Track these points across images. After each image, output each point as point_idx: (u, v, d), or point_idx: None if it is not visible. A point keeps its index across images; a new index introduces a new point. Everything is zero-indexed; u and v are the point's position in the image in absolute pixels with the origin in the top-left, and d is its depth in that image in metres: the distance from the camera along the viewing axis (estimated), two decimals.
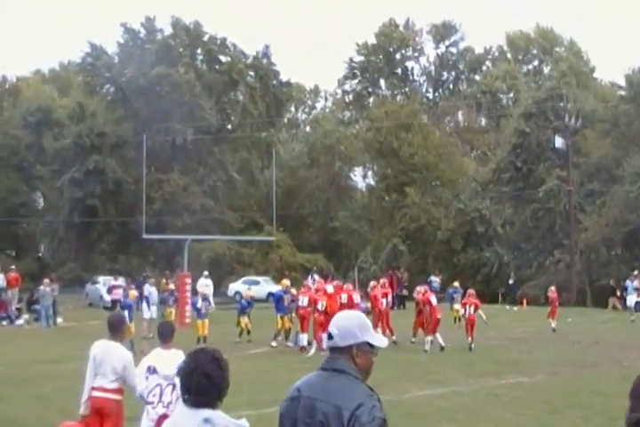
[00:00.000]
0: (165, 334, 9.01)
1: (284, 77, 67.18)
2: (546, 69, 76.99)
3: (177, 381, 8.47)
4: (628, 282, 39.19)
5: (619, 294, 41.40)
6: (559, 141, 50.71)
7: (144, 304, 30.41)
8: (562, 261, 50.26)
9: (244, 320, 26.90)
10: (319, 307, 23.56)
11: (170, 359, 8.66)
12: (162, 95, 58.41)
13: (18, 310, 36.37)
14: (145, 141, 42.77)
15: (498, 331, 30.33)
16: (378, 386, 15.05)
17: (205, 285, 34.94)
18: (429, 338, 24.19)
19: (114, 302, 38.06)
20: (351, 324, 4.42)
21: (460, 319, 30.44)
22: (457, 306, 31.22)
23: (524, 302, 44.18)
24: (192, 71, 60.81)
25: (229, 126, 65.66)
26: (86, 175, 58.10)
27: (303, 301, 24.38)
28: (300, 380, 4.50)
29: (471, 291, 28.03)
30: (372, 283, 27.52)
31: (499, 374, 19.35)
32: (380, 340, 4.46)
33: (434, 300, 25.43)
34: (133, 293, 27.86)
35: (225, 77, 63.27)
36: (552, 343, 26.16)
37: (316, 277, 39.02)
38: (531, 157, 54.89)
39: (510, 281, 46.35)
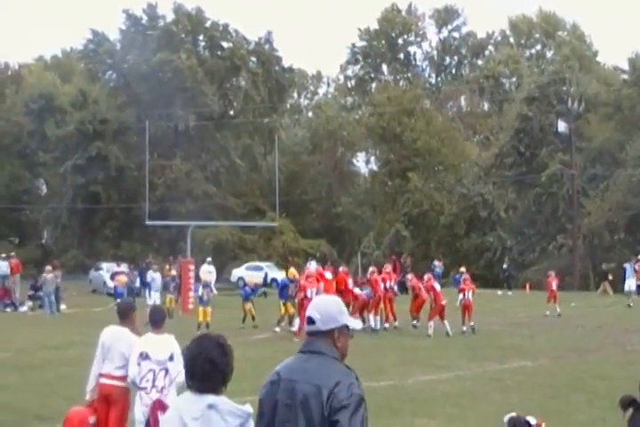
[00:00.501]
0: (157, 320, 8.98)
1: (286, 63, 67.20)
2: (548, 54, 76.68)
3: (170, 366, 8.49)
4: (626, 265, 38.86)
5: (610, 278, 41.53)
6: (562, 126, 50.64)
7: (147, 290, 30.48)
8: (565, 246, 50.28)
9: (248, 306, 26.93)
10: (308, 294, 23.60)
11: (162, 344, 8.66)
12: (164, 81, 58.35)
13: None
14: (147, 128, 42.72)
15: (500, 316, 30.39)
16: (382, 371, 15.09)
17: (208, 271, 34.88)
18: (431, 323, 24.23)
19: (116, 288, 38.05)
20: (332, 308, 4.53)
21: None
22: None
23: (527, 286, 44.18)
24: (194, 57, 60.70)
25: (232, 112, 65.58)
26: (89, 162, 58.12)
27: (312, 293, 24.18)
28: (280, 364, 4.54)
29: (466, 276, 28.21)
30: (371, 269, 27.56)
31: (502, 358, 19.36)
32: (355, 322, 4.60)
33: (437, 286, 25.51)
34: (122, 279, 27.93)
35: (227, 63, 63.14)
36: (555, 328, 26.16)
37: (314, 263, 39.00)
38: (533, 142, 54.82)
39: (504, 266, 46.12)
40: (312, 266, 35.18)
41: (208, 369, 4.52)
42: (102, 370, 9.10)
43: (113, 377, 9.04)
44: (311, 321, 4.45)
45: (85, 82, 65.41)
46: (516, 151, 55.38)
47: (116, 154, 59.33)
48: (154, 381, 8.55)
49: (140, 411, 8.64)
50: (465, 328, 25.21)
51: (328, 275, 26.33)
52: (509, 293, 42.83)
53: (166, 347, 8.61)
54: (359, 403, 4.24)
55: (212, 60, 63.55)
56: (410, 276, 27.91)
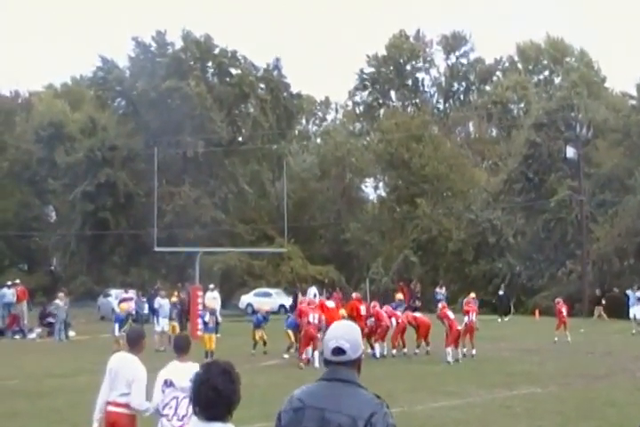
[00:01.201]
0: (181, 347, 9.03)
1: (294, 89, 67.44)
2: (556, 80, 76.93)
3: None
4: (629, 292, 38.40)
5: (604, 302, 41.32)
6: (570, 152, 50.64)
7: (155, 317, 30.46)
8: (574, 272, 50.12)
9: (259, 333, 26.93)
10: (310, 319, 23.68)
11: (186, 372, 8.69)
12: (173, 108, 58.62)
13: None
14: (156, 154, 42.84)
15: (509, 342, 30.34)
16: (391, 397, 15.03)
17: (212, 297, 34.87)
18: (449, 350, 24.26)
19: (118, 314, 38.04)
20: (357, 335, 4.55)
21: (477, 329, 30.77)
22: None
23: (537, 312, 44.06)
24: (203, 84, 61.02)
25: (240, 139, 65.78)
26: (98, 189, 58.31)
27: (314, 318, 24.21)
28: (297, 391, 4.53)
29: (469, 298, 28.54)
30: (373, 303, 27.79)
31: (511, 385, 19.32)
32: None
33: (451, 314, 25.59)
34: (123, 306, 27.98)
35: (236, 90, 63.42)
36: (564, 354, 26.10)
37: (314, 289, 39.21)
38: (542, 168, 54.81)
39: (500, 292, 45.85)
40: (311, 292, 35.52)
41: (212, 397, 4.52)
42: (109, 398, 9.12)
43: (118, 404, 9.04)
44: (341, 351, 4.41)
45: (95, 109, 65.76)
46: (524, 177, 55.37)
47: (124, 181, 59.54)
48: (176, 408, 8.59)
49: None
50: (465, 350, 25.33)
51: (330, 303, 26.46)
52: (506, 319, 42.51)
53: (190, 375, 8.64)
54: None
55: (220, 86, 63.87)
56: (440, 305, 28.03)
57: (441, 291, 45.35)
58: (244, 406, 4.75)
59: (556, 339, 29.90)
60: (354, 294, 28.81)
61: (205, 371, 4.66)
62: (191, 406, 7.71)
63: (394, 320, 26.31)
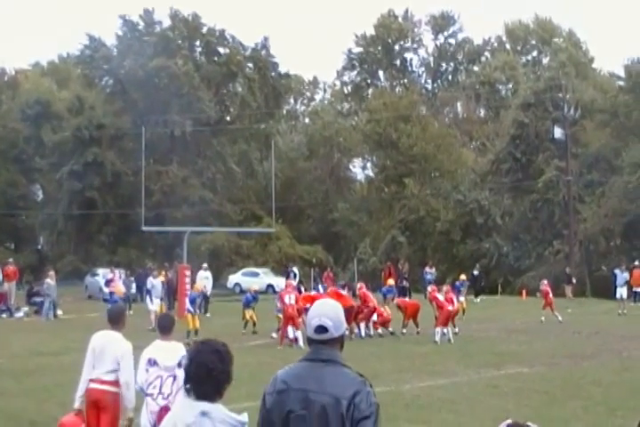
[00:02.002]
0: (165, 327, 9.02)
1: (282, 69, 67.27)
2: (545, 60, 76.80)
3: (177, 372, 8.50)
4: (617, 271, 37.76)
5: (574, 281, 41.38)
6: (558, 132, 50.71)
7: (147, 297, 30.42)
8: (561, 252, 50.29)
9: (249, 313, 26.90)
10: (286, 300, 23.79)
11: (170, 351, 8.68)
12: (160, 87, 58.39)
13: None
14: (144, 133, 42.72)
15: (497, 322, 30.43)
16: (378, 377, 15.05)
17: (205, 277, 34.94)
18: (438, 329, 24.37)
19: (111, 294, 37.96)
20: (339, 313, 4.53)
21: (464, 312, 31.00)
22: (462, 298, 31.68)
23: (524, 292, 44.17)
24: (190, 63, 60.77)
25: (228, 118, 65.59)
26: (85, 168, 58.08)
27: (290, 299, 24.27)
28: (281, 372, 4.51)
29: (462, 278, 28.90)
30: (359, 285, 27.79)
31: (498, 364, 19.37)
32: None
33: (440, 296, 25.69)
34: (119, 289, 27.86)
35: (223, 69, 63.20)
36: (551, 334, 26.18)
37: (295, 270, 39.61)
38: (530, 148, 54.84)
39: (475, 272, 45.57)
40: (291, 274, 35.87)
41: (202, 375, 4.51)
42: (92, 375, 9.05)
43: (103, 382, 8.98)
44: (323, 329, 4.40)
45: (82, 88, 65.44)
46: (512, 157, 55.38)
47: (112, 160, 59.31)
48: (160, 387, 8.56)
49: (145, 417, 8.63)
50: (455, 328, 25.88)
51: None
52: (477, 299, 41.84)
53: (175, 353, 8.62)
54: (378, 412, 4.29)
55: (208, 65, 63.60)
56: (430, 288, 28.20)
57: (430, 271, 45.35)
58: (233, 386, 4.71)
59: (542, 318, 29.97)
60: (358, 285, 28.46)
61: (196, 349, 4.65)
62: (175, 385, 7.70)
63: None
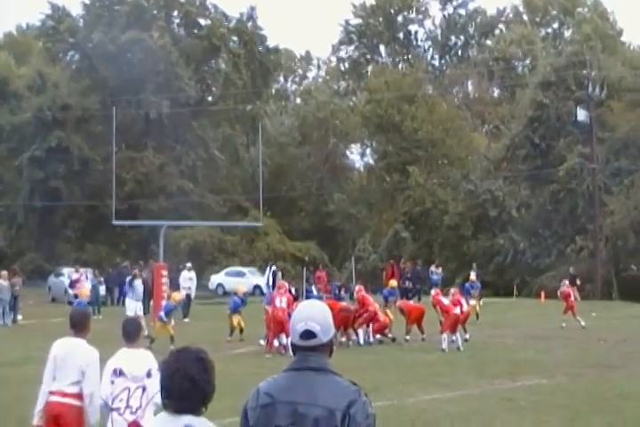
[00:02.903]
0: (131, 333, 8.86)
1: (271, 43, 67.38)
2: (567, 33, 77.06)
3: (147, 383, 8.42)
4: None
5: (578, 282, 41.40)
6: (582, 114, 50.63)
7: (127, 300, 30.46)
8: (585, 249, 50.27)
9: (237, 319, 26.76)
10: (277, 303, 23.80)
11: (137, 360, 8.58)
12: (133, 63, 58.26)
13: None
14: (114, 115, 42.53)
15: (512, 327, 30.44)
16: (379, 389, 15.05)
17: (189, 278, 34.97)
18: (445, 336, 24.40)
19: (77, 297, 37.93)
20: (327, 316, 4.51)
21: (478, 316, 31.09)
22: (473, 302, 31.60)
23: (542, 294, 44.20)
24: (168, 36, 60.71)
25: (210, 98, 65.63)
26: (48, 153, 57.92)
27: (281, 302, 24.27)
28: (263, 384, 4.48)
29: (471, 279, 28.91)
30: (357, 287, 27.93)
31: (514, 375, 19.36)
32: None
33: (444, 299, 25.74)
34: (84, 291, 27.57)
35: (205, 43, 63.12)
36: (574, 341, 26.19)
37: (275, 268, 39.90)
38: (549, 132, 54.84)
39: (472, 275, 45.31)
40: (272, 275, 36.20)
41: (187, 387, 4.48)
42: (52, 387, 8.99)
43: (65, 395, 8.92)
44: (310, 334, 4.38)
45: (44, 63, 65.27)
46: (529, 143, 55.39)
47: (78, 145, 59.19)
48: (128, 400, 8.44)
49: None
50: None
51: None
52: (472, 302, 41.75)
53: (143, 362, 8.53)
54: (374, 423, 4.32)
55: (187, 39, 63.59)
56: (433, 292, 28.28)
57: (437, 271, 45.40)
58: (215, 399, 4.68)
59: (563, 324, 29.98)
60: (357, 287, 28.59)
61: (176, 359, 4.60)
62: (145, 398, 7.63)
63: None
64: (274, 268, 41.63)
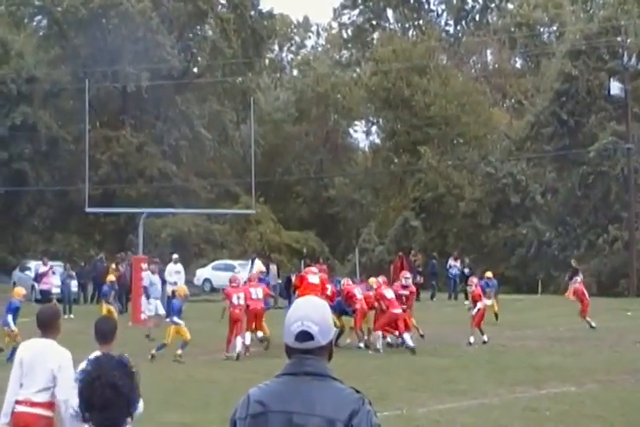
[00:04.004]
0: (105, 333, 8.73)
1: (264, 7, 67.21)
2: None
3: None
4: None
5: (580, 278, 41.32)
6: (615, 87, 50.64)
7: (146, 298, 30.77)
8: (618, 240, 50.29)
9: (177, 328, 26.55)
10: (234, 300, 24.02)
11: None
12: (109, 30, 58.22)
13: None
14: (87, 89, 42.53)
15: (536, 328, 30.44)
16: (386, 398, 15.04)
17: (175, 271, 34.96)
18: (379, 334, 25.04)
19: (44, 293, 37.95)
20: (326, 315, 4.49)
21: (497, 316, 31.19)
22: (488, 302, 31.38)
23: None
24: None
25: (195, 70, 65.62)
26: (12, 132, 57.89)
27: (239, 298, 24.35)
28: (253, 391, 4.44)
29: (487, 275, 29.24)
30: (373, 280, 27.69)
31: (538, 382, 19.37)
32: None
33: (387, 293, 25.93)
34: (19, 291, 27.00)
35: (189, 7, 62.98)
36: (606, 344, 26.19)
37: (258, 262, 39.85)
38: (579, 108, 54.80)
39: (466, 270, 45.25)
40: (255, 266, 36.27)
41: (109, 396, 4.42)
42: (19, 396, 8.96)
43: (33, 404, 8.90)
44: (307, 336, 4.33)
45: (7, 30, 65.09)
46: (556, 120, 55.35)
47: (47, 122, 59.19)
48: None
49: None
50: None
51: (313, 278, 26.39)
52: (466, 302, 41.42)
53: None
54: None
55: (170, 2, 63.40)
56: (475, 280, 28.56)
57: (455, 264, 45.46)
58: (200, 409, 4.66)
59: (593, 324, 30.00)
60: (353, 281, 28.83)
61: (96, 366, 4.56)
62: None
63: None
64: (257, 260, 41.68)
